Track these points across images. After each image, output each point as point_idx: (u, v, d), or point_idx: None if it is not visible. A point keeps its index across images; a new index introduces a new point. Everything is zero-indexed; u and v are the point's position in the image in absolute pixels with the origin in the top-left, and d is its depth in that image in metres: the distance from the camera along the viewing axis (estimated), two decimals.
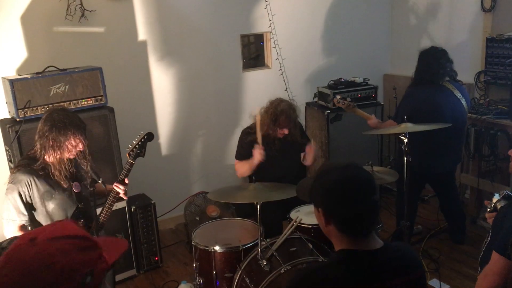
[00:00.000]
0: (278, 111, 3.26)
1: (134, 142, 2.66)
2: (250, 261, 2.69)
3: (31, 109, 3.15)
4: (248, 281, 2.59)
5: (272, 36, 4.66)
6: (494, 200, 2.00)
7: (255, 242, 2.80)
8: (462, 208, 3.97)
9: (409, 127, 3.13)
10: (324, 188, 1.54)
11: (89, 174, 2.61)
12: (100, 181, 2.54)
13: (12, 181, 2.47)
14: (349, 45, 5.12)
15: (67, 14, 3.63)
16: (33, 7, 3.55)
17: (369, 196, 1.52)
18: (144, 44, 4.08)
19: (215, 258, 2.81)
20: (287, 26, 4.71)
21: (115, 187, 2.64)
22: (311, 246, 2.65)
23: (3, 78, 3.25)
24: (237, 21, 4.49)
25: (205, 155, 4.58)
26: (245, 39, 4.72)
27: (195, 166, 4.57)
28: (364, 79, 4.60)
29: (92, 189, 2.54)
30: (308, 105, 4.66)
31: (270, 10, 4.56)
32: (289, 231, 2.73)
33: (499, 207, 1.96)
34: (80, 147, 2.51)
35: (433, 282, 3.44)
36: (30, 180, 2.45)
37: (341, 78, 4.57)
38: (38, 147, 2.48)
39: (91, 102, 3.39)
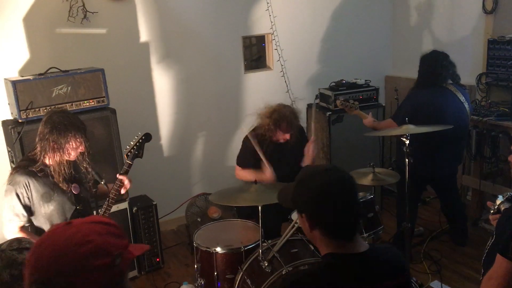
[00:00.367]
0: (281, 117, 3.25)
1: (132, 143, 2.66)
2: (251, 262, 2.69)
3: (33, 110, 3.15)
4: (249, 282, 2.59)
5: (273, 38, 4.66)
6: (498, 202, 1.99)
7: (256, 244, 2.80)
8: (463, 210, 3.97)
9: (410, 128, 3.13)
10: (307, 194, 1.54)
11: (91, 175, 2.61)
12: (102, 182, 2.54)
13: (10, 182, 2.47)
14: (351, 47, 5.12)
15: (69, 15, 3.64)
16: (35, 9, 3.56)
17: (351, 198, 1.53)
18: (146, 45, 4.09)
19: (217, 259, 2.82)
20: (289, 27, 4.71)
21: (118, 176, 2.64)
22: (312, 248, 2.65)
23: (5, 79, 3.26)
24: (238, 22, 4.50)
25: (207, 156, 4.59)
26: (247, 40, 4.72)
27: (196, 167, 4.57)
28: (365, 80, 4.60)
29: (94, 189, 2.55)
30: (309, 106, 4.66)
31: (272, 11, 4.56)
32: (290, 232, 2.73)
33: (502, 209, 1.96)
34: (81, 149, 2.51)
35: (435, 284, 3.44)
36: (28, 182, 2.46)
37: (342, 80, 4.57)
38: (38, 149, 2.48)
39: (93, 103, 3.39)
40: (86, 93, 3.36)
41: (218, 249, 2.81)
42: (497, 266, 1.83)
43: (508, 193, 2.00)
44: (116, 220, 3.44)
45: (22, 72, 3.54)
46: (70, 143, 2.45)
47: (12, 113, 3.26)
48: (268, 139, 3.34)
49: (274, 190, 2.81)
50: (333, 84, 4.53)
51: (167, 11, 4.12)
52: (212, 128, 4.56)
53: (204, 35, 4.33)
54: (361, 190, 3.24)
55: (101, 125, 3.43)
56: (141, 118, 4.14)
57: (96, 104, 3.41)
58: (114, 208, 3.24)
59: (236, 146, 4.60)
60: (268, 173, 3.26)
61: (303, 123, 4.07)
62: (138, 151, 2.66)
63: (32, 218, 2.53)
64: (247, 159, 3.42)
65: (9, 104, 3.27)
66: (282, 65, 4.75)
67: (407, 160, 3.07)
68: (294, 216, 3.04)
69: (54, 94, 3.23)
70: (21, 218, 2.48)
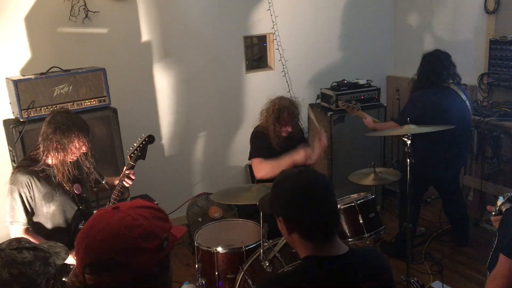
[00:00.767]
0: (281, 108, 3.24)
1: (135, 145, 2.67)
2: (252, 262, 2.69)
3: (34, 109, 3.15)
4: (250, 282, 2.59)
5: (275, 38, 4.66)
6: (499, 203, 1.99)
7: (257, 243, 2.80)
8: (465, 210, 3.96)
9: (412, 128, 3.13)
10: (282, 197, 1.53)
11: (92, 176, 2.61)
12: (103, 182, 2.54)
13: (12, 182, 2.47)
14: (352, 47, 5.12)
15: (70, 15, 3.64)
16: (37, 8, 3.56)
17: (327, 199, 1.52)
18: (147, 45, 4.09)
19: (218, 259, 2.82)
20: (290, 27, 4.71)
21: (126, 173, 2.64)
22: None
23: (7, 78, 3.26)
24: (240, 22, 4.49)
25: (208, 156, 4.59)
26: (248, 40, 4.72)
27: (197, 167, 4.57)
28: (367, 80, 4.60)
29: (96, 189, 2.55)
30: (311, 106, 4.65)
31: (273, 11, 4.56)
32: None
33: (504, 210, 1.95)
34: (84, 149, 2.51)
35: (436, 284, 3.44)
36: (30, 181, 2.46)
37: (344, 80, 4.57)
38: (41, 149, 2.48)
39: (94, 102, 3.40)
40: (88, 92, 3.36)
41: (219, 249, 2.81)
42: (500, 266, 1.82)
43: (509, 194, 2.00)
44: None
45: (23, 71, 3.55)
46: (74, 144, 2.45)
47: (13, 113, 3.26)
48: (271, 136, 3.32)
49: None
50: (335, 84, 4.53)
51: (169, 10, 4.11)
52: (213, 127, 4.56)
53: (206, 35, 4.33)
54: (362, 190, 3.24)
55: (102, 124, 3.43)
56: (142, 118, 4.14)
57: (97, 104, 3.41)
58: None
59: (237, 145, 4.62)
60: (302, 152, 3.12)
61: (303, 123, 4.07)
62: (141, 152, 2.66)
63: (33, 217, 2.53)
64: (261, 147, 3.31)
65: (10, 103, 3.27)
66: (283, 65, 4.74)
67: (408, 160, 3.07)
68: None
69: (55, 94, 3.23)
70: (23, 217, 2.48)
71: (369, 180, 3.14)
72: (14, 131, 3.11)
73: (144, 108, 4.17)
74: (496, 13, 4.26)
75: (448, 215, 3.97)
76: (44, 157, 2.48)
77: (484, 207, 4.24)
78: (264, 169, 3.20)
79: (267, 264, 2.56)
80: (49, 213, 2.53)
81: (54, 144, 2.43)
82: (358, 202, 2.86)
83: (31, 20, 3.56)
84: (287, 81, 4.78)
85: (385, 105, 4.60)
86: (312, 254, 1.51)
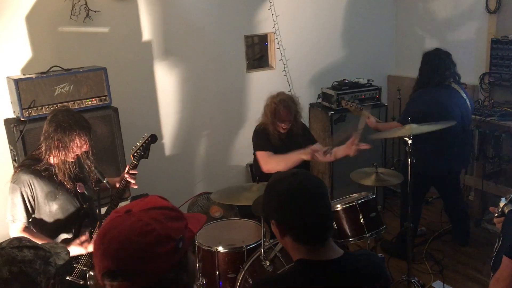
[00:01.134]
0: (278, 102, 3.23)
1: (138, 144, 2.67)
2: (253, 261, 2.69)
3: (35, 108, 3.15)
4: (251, 281, 2.59)
5: (276, 37, 4.66)
6: (501, 204, 1.98)
7: (258, 243, 2.80)
8: (466, 210, 3.96)
9: (413, 128, 3.13)
10: (274, 199, 1.51)
11: (93, 174, 2.61)
12: (104, 181, 2.54)
13: (14, 181, 2.47)
14: (353, 46, 5.11)
15: (71, 14, 3.64)
16: (38, 7, 3.56)
17: (320, 202, 1.49)
18: (148, 44, 4.08)
19: (218, 258, 2.82)
20: (291, 27, 4.71)
21: (125, 176, 2.64)
22: None
23: (8, 77, 3.26)
24: (241, 21, 4.49)
25: (209, 155, 4.58)
26: (249, 39, 4.72)
27: (198, 166, 4.57)
28: (368, 80, 4.59)
29: (97, 188, 2.55)
30: (312, 106, 4.65)
31: (274, 11, 4.56)
32: None
33: (506, 211, 1.95)
34: (85, 148, 2.51)
35: (437, 284, 3.43)
36: (32, 180, 2.46)
37: (345, 79, 4.57)
38: (43, 148, 2.48)
39: (95, 102, 3.39)
40: (89, 91, 3.36)
41: (220, 248, 2.81)
42: (503, 268, 1.82)
43: (511, 195, 1.99)
44: None
45: (24, 70, 3.55)
46: (75, 142, 2.45)
47: (14, 112, 3.26)
48: (271, 132, 3.31)
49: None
50: (336, 83, 4.53)
51: (170, 10, 4.11)
52: (214, 127, 4.55)
53: (207, 34, 4.33)
54: (363, 190, 3.24)
55: (103, 123, 3.42)
56: (143, 117, 4.14)
57: (98, 103, 3.41)
58: (118, 206, 3.24)
59: (238, 145, 4.62)
60: (309, 152, 3.07)
61: (305, 122, 4.06)
62: (144, 151, 2.66)
63: (35, 215, 2.53)
64: (266, 141, 3.28)
65: (11, 102, 3.27)
66: (284, 64, 4.74)
67: (409, 160, 3.07)
68: None
69: (56, 93, 3.23)
70: (24, 216, 2.48)
71: (370, 181, 3.13)
72: (15, 130, 3.11)
73: (145, 108, 4.17)
74: (497, 13, 4.25)
75: (449, 215, 3.96)
76: (46, 156, 2.48)
77: (485, 207, 4.24)
78: (271, 162, 3.17)
79: (268, 264, 2.56)
80: (52, 211, 2.53)
81: (56, 143, 2.43)
82: (359, 202, 2.86)
83: (32, 19, 3.56)
84: (288, 81, 4.78)
85: (386, 104, 4.60)
86: (304, 258, 1.48)
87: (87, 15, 3.70)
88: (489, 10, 4.30)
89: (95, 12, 3.74)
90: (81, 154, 2.53)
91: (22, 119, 3.12)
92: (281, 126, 3.27)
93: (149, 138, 2.68)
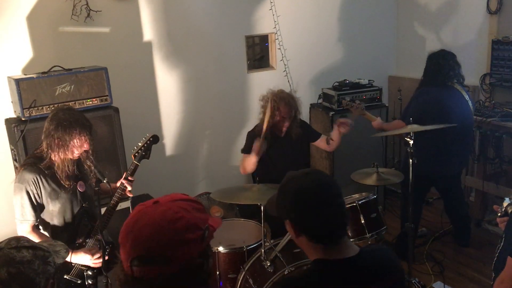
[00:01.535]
0: (279, 98, 3.24)
1: (140, 144, 2.66)
2: (253, 262, 2.69)
3: (36, 108, 3.15)
4: (251, 282, 2.59)
5: (276, 37, 4.66)
6: (505, 204, 1.97)
7: (258, 243, 2.80)
8: (467, 211, 3.96)
9: (414, 127, 3.12)
10: (288, 199, 1.51)
11: (93, 174, 2.60)
12: (105, 181, 2.54)
13: (19, 180, 2.46)
14: (354, 47, 5.11)
15: (72, 14, 3.64)
16: (39, 7, 3.56)
17: (334, 200, 1.49)
18: (149, 44, 4.09)
19: (219, 258, 2.81)
20: (292, 27, 4.71)
21: (123, 182, 2.64)
22: None
23: (9, 77, 3.26)
24: (242, 22, 4.49)
25: (209, 155, 4.58)
26: (250, 40, 4.72)
27: (199, 166, 4.57)
28: (369, 80, 4.59)
29: (97, 188, 2.54)
30: (312, 106, 4.65)
31: (275, 11, 4.56)
32: None
33: (510, 211, 1.94)
34: (85, 146, 2.50)
35: (437, 285, 3.43)
36: (36, 178, 2.45)
37: (346, 80, 4.57)
38: (44, 146, 2.48)
39: (96, 102, 3.39)
40: (89, 91, 3.36)
41: (221, 249, 2.81)
42: (507, 269, 1.81)
43: None
44: (118, 220, 3.44)
45: (25, 70, 3.55)
46: (75, 140, 2.44)
47: (15, 111, 3.26)
48: (269, 135, 3.31)
49: (276, 190, 2.81)
50: (337, 84, 4.53)
51: (171, 10, 4.11)
52: (215, 127, 4.55)
53: (208, 35, 4.33)
54: (364, 190, 3.24)
55: (104, 123, 3.42)
56: (144, 117, 4.14)
57: (99, 103, 3.41)
58: (117, 207, 3.24)
59: (239, 145, 4.59)
60: (255, 145, 3.18)
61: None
62: (145, 152, 2.65)
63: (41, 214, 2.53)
64: (247, 145, 3.37)
65: (12, 102, 3.27)
66: (285, 65, 4.74)
67: (411, 160, 3.06)
68: None
69: (57, 93, 3.23)
70: (32, 215, 2.47)
71: (372, 180, 3.13)
72: (16, 130, 3.11)
73: (145, 108, 4.17)
74: (498, 14, 4.25)
75: (449, 216, 3.96)
76: (48, 154, 2.48)
77: (486, 208, 4.24)
78: (244, 162, 3.30)
79: (269, 264, 2.56)
80: (54, 210, 2.53)
81: (56, 141, 2.43)
82: (360, 202, 2.86)
83: (33, 19, 3.56)
84: (288, 81, 4.78)
85: (387, 105, 4.60)
86: (321, 257, 1.48)
87: (88, 15, 3.70)
88: (490, 10, 4.30)
89: (96, 12, 3.74)
90: (81, 153, 2.53)
91: (23, 119, 3.12)
92: (282, 124, 3.27)
93: (151, 139, 2.67)
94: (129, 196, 2.78)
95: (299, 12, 4.73)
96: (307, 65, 4.88)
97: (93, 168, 2.57)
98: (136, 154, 2.64)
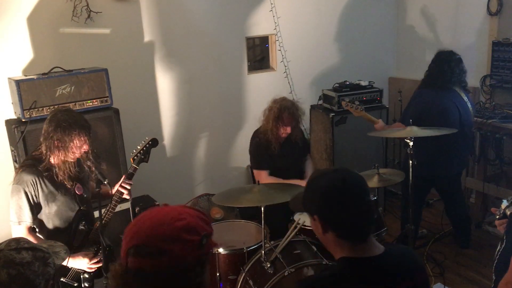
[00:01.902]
0: (282, 108, 3.25)
1: (139, 148, 2.66)
2: (254, 263, 2.68)
3: (36, 109, 3.15)
4: (251, 283, 2.59)
5: (277, 39, 4.66)
6: (503, 206, 1.96)
7: (259, 244, 2.79)
8: (467, 212, 3.95)
9: (415, 131, 3.12)
10: (318, 194, 1.51)
11: (94, 175, 2.60)
12: (105, 182, 2.54)
13: (17, 181, 2.45)
14: (355, 48, 5.11)
15: (73, 15, 3.64)
16: (39, 8, 3.56)
17: (363, 197, 1.50)
18: (149, 45, 4.09)
19: (219, 260, 2.81)
20: (292, 28, 4.71)
21: (119, 188, 2.64)
22: (315, 249, 2.65)
23: (9, 78, 3.27)
24: (242, 23, 4.49)
25: (210, 157, 4.58)
26: (250, 41, 4.72)
27: (199, 167, 4.57)
28: (369, 82, 4.59)
29: (98, 189, 2.54)
30: (312, 107, 4.65)
31: (276, 12, 4.56)
32: (292, 233, 2.73)
33: (508, 213, 1.94)
34: (85, 147, 2.50)
35: (438, 286, 3.42)
36: (35, 180, 2.45)
37: (346, 81, 4.56)
38: (43, 148, 2.47)
39: (96, 103, 3.39)
40: (90, 93, 3.36)
41: (221, 250, 2.81)
42: None
43: None
44: (119, 221, 3.44)
45: (25, 71, 3.55)
46: (74, 142, 2.44)
47: (15, 113, 3.26)
48: (270, 138, 3.33)
49: (277, 191, 2.82)
50: (337, 85, 4.52)
51: (171, 11, 4.11)
52: (215, 128, 4.55)
53: (208, 36, 4.33)
54: None
55: (104, 125, 3.42)
56: (144, 118, 4.14)
57: (99, 104, 3.41)
58: (117, 208, 3.23)
59: (239, 146, 4.61)
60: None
61: (306, 124, 4.07)
62: (144, 155, 2.66)
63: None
64: (264, 158, 3.38)
65: (12, 103, 3.27)
66: (285, 66, 4.74)
67: (411, 162, 3.06)
68: (296, 217, 3.04)
69: (57, 94, 3.23)
70: (29, 217, 2.46)
71: (374, 182, 3.11)
72: (16, 131, 3.11)
73: (146, 109, 4.17)
74: (499, 15, 4.25)
75: (450, 217, 3.96)
76: (47, 156, 2.47)
77: (486, 209, 4.23)
78: (264, 180, 3.30)
79: (269, 265, 2.56)
80: (51, 213, 2.53)
81: (55, 142, 2.42)
82: None
83: (33, 20, 3.56)
84: (289, 82, 4.78)
85: (387, 106, 4.59)
86: (348, 255, 1.49)
87: (89, 16, 3.70)
88: (491, 12, 4.30)
89: (97, 13, 3.74)
90: (81, 154, 2.52)
91: (23, 120, 3.12)
92: (283, 131, 3.29)
93: (150, 142, 2.67)
94: (127, 198, 2.77)
95: (300, 14, 4.74)
96: (307, 66, 4.88)
97: (93, 169, 2.57)
98: (135, 158, 2.64)
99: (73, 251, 2.51)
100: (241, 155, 4.58)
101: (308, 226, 2.86)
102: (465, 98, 3.60)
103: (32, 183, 2.44)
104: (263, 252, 2.63)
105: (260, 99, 4.46)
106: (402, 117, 3.72)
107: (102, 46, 3.85)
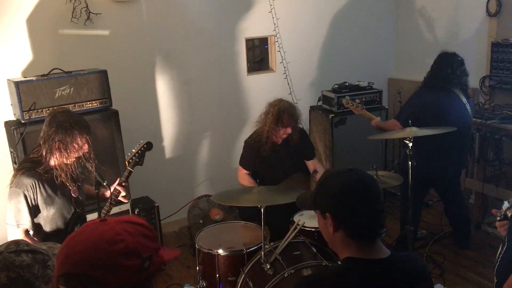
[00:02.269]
0: (281, 110, 3.25)
1: (134, 151, 2.68)
2: (253, 264, 2.68)
3: (36, 111, 3.16)
4: (251, 284, 2.58)
5: (276, 40, 4.66)
6: (504, 208, 1.96)
7: (258, 246, 2.79)
8: (467, 213, 3.95)
9: (414, 131, 3.12)
10: (332, 192, 1.51)
11: (93, 175, 2.60)
12: (105, 183, 2.54)
13: (17, 184, 2.42)
14: (354, 49, 5.12)
15: (72, 16, 3.65)
16: (39, 10, 3.56)
17: (376, 198, 1.51)
18: (149, 47, 4.09)
19: (219, 261, 2.81)
20: (292, 29, 4.71)
21: (116, 187, 2.64)
22: (314, 250, 2.64)
23: (8, 80, 3.27)
24: (241, 24, 4.50)
25: (209, 158, 4.58)
26: (250, 42, 4.72)
27: (198, 169, 4.57)
28: (368, 83, 4.60)
29: (97, 191, 2.54)
30: (312, 108, 4.66)
31: (275, 13, 4.56)
32: (292, 235, 2.72)
33: (509, 215, 1.93)
34: (85, 148, 2.50)
35: (437, 287, 3.42)
36: (35, 183, 2.43)
37: (345, 82, 4.57)
38: (43, 151, 2.46)
39: (95, 104, 3.40)
40: (89, 94, 3.36)
41: (220, 251, 2.81)
42: None
43: None
44: None
45: (25, 73, 3.55)
46: (76, 141, 2.44)
47: (14, 114, 3.26)
48: (264, 143, 3.34)
49: (277, 192, 2.82)
50: (336, 86, 4.53)
51: (170, 12, 4.12)
52: (215, 129, 4.55)
53: (207, 37, 4.33)
54: None
55: (103, 126, 3.43)
56: (144, 120, 4.14)
57: (99, 105, 3.41)
58: (116, 209, 3.23)
59: (238, 147, 4.59)
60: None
61: (305, 125, 4.07)
62: (139, 159, 2.67)
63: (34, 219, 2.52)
64: (248, 160, 3.42)
65: (12, 104, 3.27)
66: (285, 67, 4.74)
67: (410, 163, 3.06)
68: (296, 218, 3.04)
69: (57, 95, 3.23)
70: (26, 221, 2.45)
71: None
72: (15, 133, 3.11)
73: (145, 110, 4.17)
74: (498, 16, 4.26)
75: (449, 218, 3.96)
76: (47, 159, 2.46)
77: (486, 210, 4.23)
78: (244, 182, 3.47)
79: (268, 267, 2.55)
80: (48, 216, 2.51)
81: (57, 144, 2.41)
82: None
83: (33, 21, 3.56)
84: (288, 83, 4.78)
85: (386, 107, 4.60)
86: (353, 256, 1.48)
87: (88, 18, 3.71)
88: (490, 13, 4.30)
89: (96, 15, 3.74)
90: (82, 155, 2.52)
91: (23, 121, 3.13)
92: (283, 133, 3.29)
93: (145, 146, 2.69)
94: (124, 202, 2.77)
95: (299, 15, 4.74)
96: (306, 67, 4.88)
97: (92, 169, 2.56)
98: (130, 161, 2.66)
99: None
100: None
101: (308, 227, 2.86)
102: (464, 100, 3.59)
103: (32, 187, 2.43)
104: (262, 253, 2.63)
105: (259, 100, 4.45)
106: (399, 114, 3.72)
107: (102, 47, 3.85)
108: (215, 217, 4.02)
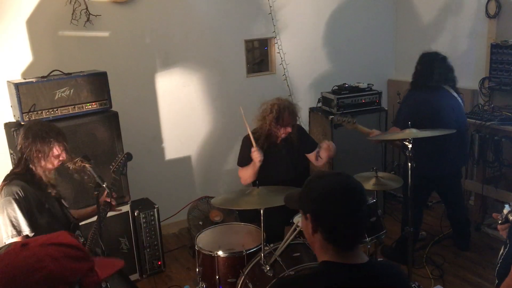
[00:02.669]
0: (281, 108, 3.24)
1: (115, 162, 2.76)
2: (253, 266, 2.68)
3: (36, 113, 3.16)
4: (251, 286, 2.58)
5: (276, 42, 4.67)
6: (505, 211, 1.96)
7: (258, 247, 2.79)
8: (467, 215, 3.95)
9: (413, 133, 3.13)
10: (316, 193, 1.48)
11: (91, 175, 2.59)
12: (104, 185, 2.53)
13: (5, 194, 2.36)
14: (353, 51, 5.12)
15: (72, 18, 3.65)
16: (38, 12, 3.57)
17: (360, 206, 1.47)
18: (148, 48, 4.09)
19: (218, 263, 2.81)
20: (291, 31, 4.72)
21: (106, 200, 2.64)
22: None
23: (8, 81, 3.27)
24: (241, 26, 4.50)
25: (209, 159, 4.58)
26: (249, 44, 4.73)
27: (198, 170, 4.57)
28: (368, 84, 4.60)
29: (96, 192, 2.53)
30: (312, 110, 4.66)
31: (274, 15, 4.57)
32: (292, 236, 2.72)
33: (511, 218, 1.93)
34: (63, 157, 2.49)
35: None
36: (22, 188, 2.39)
37: (345, 84, 4.57)
38: (23, 162, 2.45)
39: (95, 106, 3.40)
40: (89, 96, 3.37)
41: (220, 253, 2.80)
42: None
43: None
44: (118, 223, 3.44)
45: (25, 74, 3.55)
46: (54, 150, 2.44)
47: (14, 116, 3.26)
48: (264, 141, 3.32)
49: (277, 194, 2.81)
50: (336, 87, 4.53)
51: (170, 14, 4.12)
52: (215, 131, 4.56)
53: (207, 39, 4.34)
54: None
55: (103, 127, 3.43)
56: (143, 121, 4.14)
57: (98, 107, 3.41)
58: (117, 210, 3.23)
59: (238, 149, 4.59)
60: (253, 154, 3.22)
61: (305, 126, 4.07)
62: (123, 168, 2.76)
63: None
64: (243, 157, 3.40)
65: (11, 106, 3.27)
66: (284, 69, 4.75)
67: (410, 164, 3.06)
68: (296, 219, 3.03)
69: (56, 97, 3.24)
70: (25, 229, 2.36)
71: (370, 185, 3.12)
72: (15, 134, 3.11)
73: (145, 112, 4.17)
74: (497, 17, 4.26)
75: (449, 219, 3.96)
76: (29, 169, 2.45)
77: (486, 212, 4.23)
78: (243, 175, 3.38)
79: (268, 268, 2.55)
80: (44, 224, 2.46)
81: (34, 153, 2.41)
82: None
83: (32, 23, 3.57)
84: (288, 85, 4.78)
85: (386, 109, 4.60)
86: (330, 260, 1.46)
87: (88, 20, 3.71)
88: (489, 14, 4.31)
89: (96, 17, 3.75)
90: (60, 163, 2.51)
91: (23, 123, 3.12)
92: (284, 131, 3.28)
93: (125, 156, 2.78)
94: (129, 200, 2.79)
95: (298, 16, 4.75)
96: (306, 69, 4.89)
97: (92, 172, 2.57)
98: (115, 170, 2.72)
99: None
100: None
101: None
102: (455, 95, 3.61)
103: (20, 191, 2.38)
104: (262, 255, 2.63)
105: (259, 102, 4.44)
106: (395, 120, 3.72)
107: (101, 49, 3.86)
108: (215, 219, 4.02)
